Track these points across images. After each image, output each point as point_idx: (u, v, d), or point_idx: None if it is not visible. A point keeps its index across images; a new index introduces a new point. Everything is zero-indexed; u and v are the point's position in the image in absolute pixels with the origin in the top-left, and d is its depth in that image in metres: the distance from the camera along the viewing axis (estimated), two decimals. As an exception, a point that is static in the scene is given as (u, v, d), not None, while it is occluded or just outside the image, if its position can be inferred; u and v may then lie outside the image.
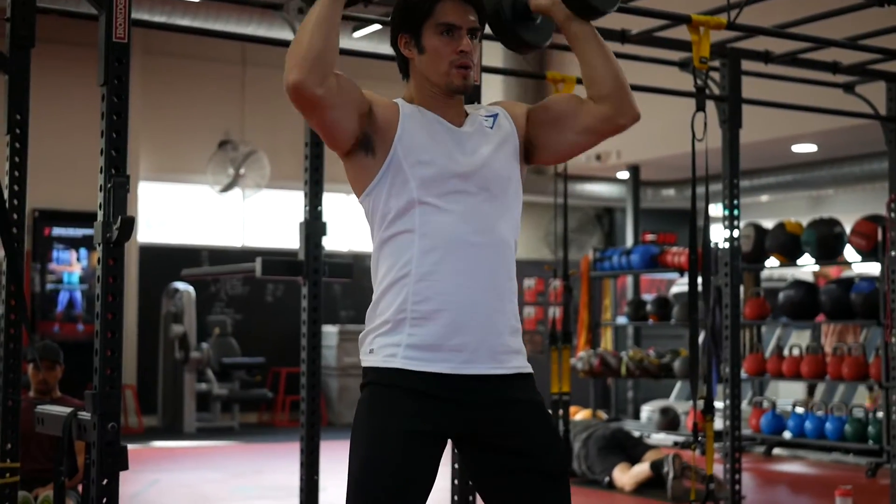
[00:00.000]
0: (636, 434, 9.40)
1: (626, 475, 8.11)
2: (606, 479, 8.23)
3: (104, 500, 3.34)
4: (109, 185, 3.39)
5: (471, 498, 4.11)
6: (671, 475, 7.58)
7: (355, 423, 2.72)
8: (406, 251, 2.69)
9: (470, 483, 4.03)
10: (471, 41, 2.79)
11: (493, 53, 11.00)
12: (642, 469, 7.98)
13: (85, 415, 3.45)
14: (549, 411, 7.02)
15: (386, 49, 5.09)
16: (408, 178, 2.70)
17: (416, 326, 2.66)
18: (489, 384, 2.70)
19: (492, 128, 2.84)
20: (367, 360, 2.74)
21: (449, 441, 2.77)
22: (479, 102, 4.29)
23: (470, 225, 2.70)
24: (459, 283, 2.67)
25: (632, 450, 8.43)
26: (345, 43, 11.64)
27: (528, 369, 2.81)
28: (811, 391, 11.43)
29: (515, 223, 2.82)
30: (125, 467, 3.39)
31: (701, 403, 4.90)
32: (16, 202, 4.36)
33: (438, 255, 2.68)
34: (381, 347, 2.70)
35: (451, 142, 2.76)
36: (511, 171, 2.83)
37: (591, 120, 2.86)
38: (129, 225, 3.35)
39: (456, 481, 4.23)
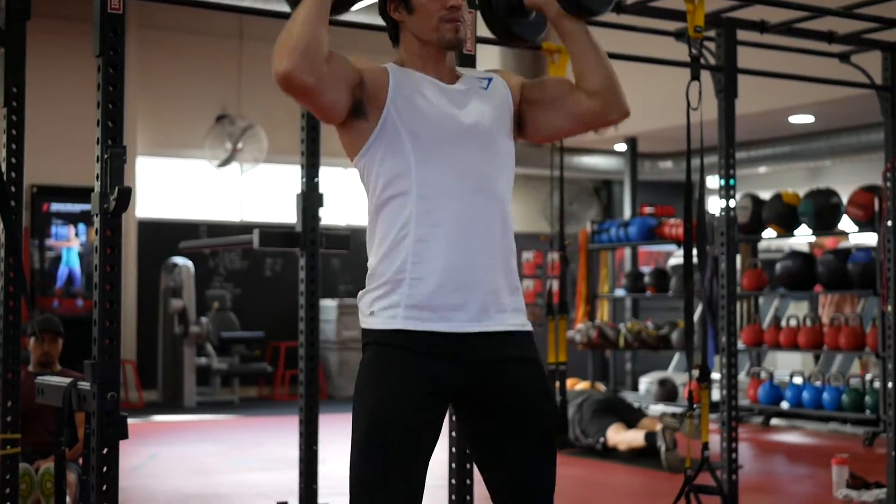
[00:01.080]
0: (634, 404, 9.44)
1: (620, 436, 8.14)
2: (601, 439, 8.24)
3: (104, 469, 3.37)
4: (106, 156, 3.40)
5: (468, 466, 4.14)
6: (664, 448, 7.62)
7: (358, 383, 2.74)
8: (403, 212, 2.69)
9: (467, 451, 4.06)
10: None
11: (488, 57, 10.99)
12: (636, 436, 8.01)
13: (84, 384, 3.47)
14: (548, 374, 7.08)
15: (381, 21, 5.09)
16: (402, 138, 2.70)
17: (416, 287, 2.67)
18: (489, 341, 2.72)
19: (486, 89, 2.85)
20: (368, 322, 2.74)
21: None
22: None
23: (467, 182, 2.71)
24: (458, 243, 2.68)
25: (626, 414, 8.46)
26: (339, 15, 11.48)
27: (528, 327, 2.82)
28: (816, 360, 11.45)
29: (509, 183, 2.82)
30: (125, 436, 3.42)
31: (696, 372, 4.93)
32: (13, 175, 4.38)
33: (436, 215, 2.68)
34: (381, 309, 2.71)
35: (443, 99, 2.76)
36: (504, 131, 2.83)
37: (581, 109, 2.87)
38: (125, 195, 3.36)
39: (454, 449, 4.26)
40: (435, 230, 2.68)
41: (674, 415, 7.90)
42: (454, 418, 4.36)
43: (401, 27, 2.84)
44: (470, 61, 4.14)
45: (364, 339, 2.77)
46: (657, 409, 10.94)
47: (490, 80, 2.88)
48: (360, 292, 2.79)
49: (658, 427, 7.94)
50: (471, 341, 2.70)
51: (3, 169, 4.31)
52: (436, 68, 2.82)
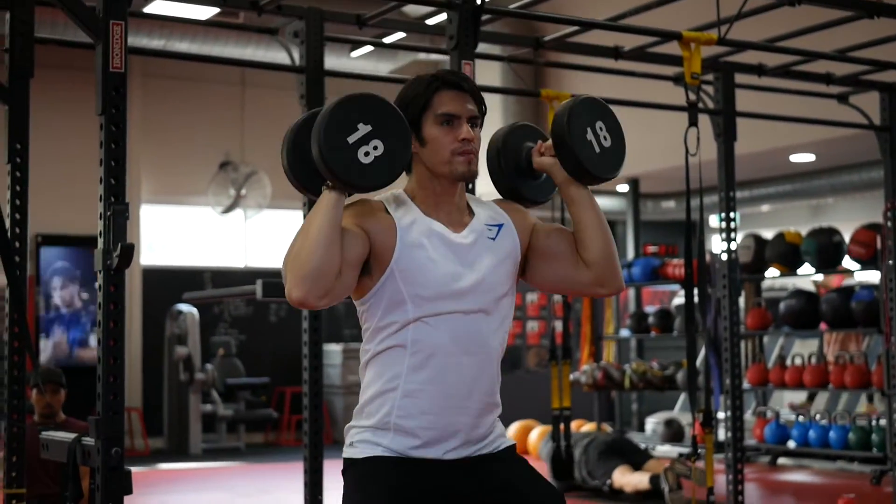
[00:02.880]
0: (640, 445, 9.41)
1: (626, 478, 8.13)
2: (608, 481, 8.23)
3: (109, 524, 3.38)
4: (109, 213, 3.43)
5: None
6: (667, 490, 7.60)
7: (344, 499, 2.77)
8: (395, 365, 2.72)
9: None
10: (471, 129, 2.78)
11: (489, 71, 11.06)
12: (642, 479, 8.00)
13: (89, 440, 3.49)
14: (551, 427, 7.03)
15: (381, 70, 5.16)
16: (404, 298, 2.70)
17: (399, 435, 2.72)
18: (473, 461, 2.77)
19: (494, 239, 2.82)
20: (347, 452, 2.79)
21: None
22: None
23: (461, 345, 2.72)
24: (444, 405, 2.71)
25: (632, 456, 8.44)
26: (341, 63, 11.69)
27: (511, 442, 2.87)
28: (811, 398, 11.44)
29: (506, 333, 2.84)
30: (129, 492, 3.43)
31: (700, 416, 4.94)
32: (17, 230, 4.42)
33: (426, 374, 2.70)
34: (360, 442, 2.75)
35: (449, 256, 2.75)
36: (508, 285, 2.83)
37: (576, 277, 2.87)
38: (128, 252, 3.39)
39: None
40: (423, 388, 2.71)
41: (684, 459, 7.86)
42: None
43: (413, 158, 2.81)
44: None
45: (343, 467, 2.81)
46: (664, 449, 10.91)
47: (500, 227, 2.85)
48: (347, 425, 2.82)
49: (661, 469, 7.93)
50: (454, 465, 2.75)
51: (7, 224, 4.35)
52: (446, 205, 2.80)
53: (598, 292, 2.89)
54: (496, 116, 12.54)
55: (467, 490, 2.74)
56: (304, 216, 5.36)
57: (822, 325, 10.24)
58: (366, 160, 2.62)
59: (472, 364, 2.74)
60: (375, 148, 2.62)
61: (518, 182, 2.97)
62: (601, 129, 2.89)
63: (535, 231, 2.90)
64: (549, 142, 2.88)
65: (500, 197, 2.98)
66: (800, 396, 11.89)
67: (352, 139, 2.61)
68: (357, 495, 2.72)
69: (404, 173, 2.82)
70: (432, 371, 2.71)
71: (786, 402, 12.17)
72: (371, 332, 2.76)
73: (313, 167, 2.67)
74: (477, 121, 2.81)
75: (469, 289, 2.74)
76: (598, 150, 2.87)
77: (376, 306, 2.73)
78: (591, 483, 8.38)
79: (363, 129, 2.62)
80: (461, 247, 2.77)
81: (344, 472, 2.79)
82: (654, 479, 7.82)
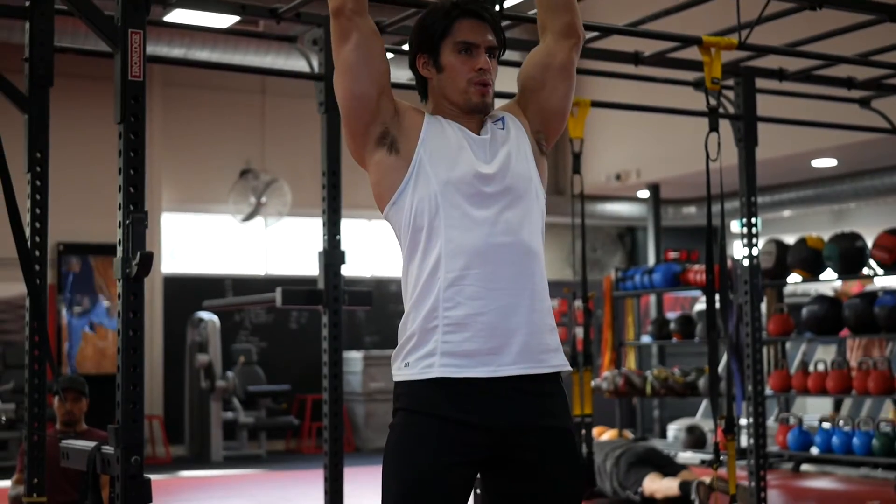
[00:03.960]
0: (672, 455, 9.37)
1: (656, 484, 8.09)
2: (639, 489, 8.19)
3: (129, 533, 3.38)
4: (128, 222, 3.43)
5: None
6: (697, 502, 7.56)
7: (386, 455, 2.72)
8: (432, 258, 2.69)
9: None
10: (489, 59, 2.80)
11: (508, 78, 11.05)
12: (672, 485, 7.96)
13: (109, 449, 3.49)
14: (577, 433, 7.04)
15: (402, 76, 5.14)
16: (431, 182, 2.70)
17: (450, 333, 2.65)
18: (530, 385, 2.70)
19: (503, 129, 2.84)
20: (402, 374, 2.72)
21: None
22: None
23: (494, 228, 2.70)
24: (490, 286, 2.67)
25: (664, 468, 8.40)
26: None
27: (567, 366, 2.79)
28: (837, 406, 11.37)
29: (538, 227, 2.80)
30: (149, 500, 3.43)
31: (723, 422, 4.90)
32: (37, 239, 4.42)
33: (465, 259, 2.67)
34: (416, 360, 2.68)
35: (472, 147, 2.77)
36: (530, 170, 2.82)
37: (553, 54, 2.92)
38: (148, 260, 3.39)
39: (479, 506, 4.25)
40: (466, 275, 2.67)
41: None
42: (478, 490, 4.35)
43: (429, 84, 2.85)
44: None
45: (395, 399, 2.75)
46: (686, 456, 10.87)
47: (503, 118, 2.88)
48: (395, 350, 2.76)
49: (693, 477, 7.89)
50: (511, 386, 2.67)
51: (28, 233, 4.35)
52: (463, 121, 2.82)
53: (571, 47, 2.94)
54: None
55: (508, 453, 2.67)
56: (324, 224, 5.36)
57: (845, 331, 10.18)
58: None
59: (512, 245, 2.70)
60: None
61: None
62: None
63: (519, 101, 2.94)
64: None
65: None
66: (823, 403, 11.83)
67: None
68: (404, 454, 2.66)
69: (420, 100, 2.88)
70: (472, 255, 2.67)
71: (809, 409, 12.11)
72: (404, 228, 2.74)
73: None
74: (495, 52, 2.84)
75: (493, 174, 2.74)
76: None
77: (405, 196, 2.72)
78: (622, 495, 8.36)
79: None
80: (482, 140, 2.79)
81: (395, 407, 2.74)
82: (685, 486, 7.79)
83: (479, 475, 2.77)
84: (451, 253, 2.68)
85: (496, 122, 2.86)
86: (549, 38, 2.95)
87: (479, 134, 2.82)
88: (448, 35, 2.79)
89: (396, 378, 2.74)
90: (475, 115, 2.82)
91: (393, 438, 2.71)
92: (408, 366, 2.70)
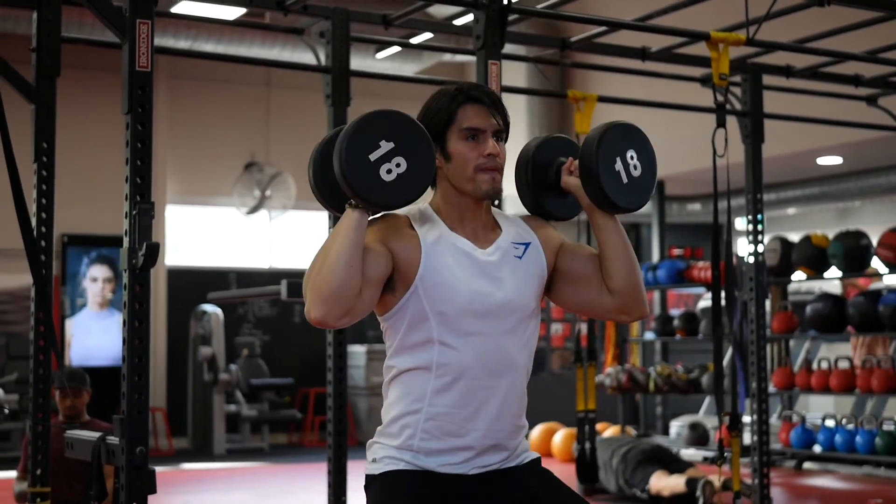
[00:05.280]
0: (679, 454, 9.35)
1: (663, 482, 8.08)
2: (646, 486, 8.18)
3: (133, 524, 3.38)
4: (134, 212, 3.43)
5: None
6: (701, 501, 7.55)
7: None
8: (419, 387, 2.69)
9: None
10: (496, 143, 2.75)
11: (515, 72, 11.04)
12: (678, 482, 7.95)
13: (113, 439, 3.48)
14: (576, 430, 6.99)
15: (406, 70, 5.17)
16: (428, 316, 2.67)
17: (423, 456, 2.69)
18: (499, 472, 2.75)
19: (521, 258, 2.79)
20: (369, 469, 2.76)
21: None
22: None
23: (487, 367, 2.69)
24: (469, 428, 2.69)
25: (671, 465, 8.39)
26: (367, 64, 11.69)
27: (535, 455, 2.83)
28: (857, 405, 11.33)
29: (532, 353, 2.80)
30: (153, 491, 3.43)
31: (727, 419, 4.90)
32: (43, 229, 4.42)
33: (451, 397, 2.67)
34: (383, 458, 2.73)
35: (475, 272, 2.72)
36: (534, 305, 2.79)
37: (600, 302, 2.82)
38: (154, 251, 3.39)
39: None
40: (447, 412, 2.68)
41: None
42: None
43: (437, 174, 2.78)
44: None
45: (365, 483, 2.78)
46: (688, 453, 10.86)
47: (527, 246, 2.81)
48: (370, 441, 2.80)
49: (700, 475, 7.88)
50: (478, 479, 2.72)
51: (34, 223, 4.35)
52: (472, 221, 2.77)
53: (621, 319, 2.84)
54: (521, 118, 12.51)
55: (491, 500, 2.71)
56: (329, 218, 5.35)
57: (849, 329, 10.17)
58: (388, 178, 2.59)
59: (499, 386, 2.70)
60: (398, 165, 2.59)
61: (544, 198, 2.91)
62: (632, 157, 2.81)
63: (562, 251, 2.86)
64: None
65: (526, 213, 2.94)
66: (826, 401, 11.82)
67: (374, 157, 2.58)
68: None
69: (430, 188, 2.79)
70: (457, 395, 2.68)
71: (812, 407, 12.10)
72: (394, 349, 2.74)
73: (339, 185, 2.63)
74: (502, 135, 2.78)
75: (495, 307, 2.70)
76: (625, 180, 2.79)
77: (399, 323, 2.70)
78: (628, 492, 8.35)
79: (385, 146, 2.59)
80: (487, 264, 2.74)
81: (366, 488, 2.77)
82: (692, 483, 7.78)
83: None
84: (438, 389, 2.68)
85: (517, 246, 2.80)
86: (608, 294, 2.83)
87: (489, 242, 2.77)
88: (453, 122, 2.74)
89: (366, 471, 2.78)
90: (485, 202, 2.79)
91: (371, 499, 2.75)
92: (375, 462, 2.75)
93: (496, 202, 2.90)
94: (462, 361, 2.67)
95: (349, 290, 2.55)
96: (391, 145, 2.59)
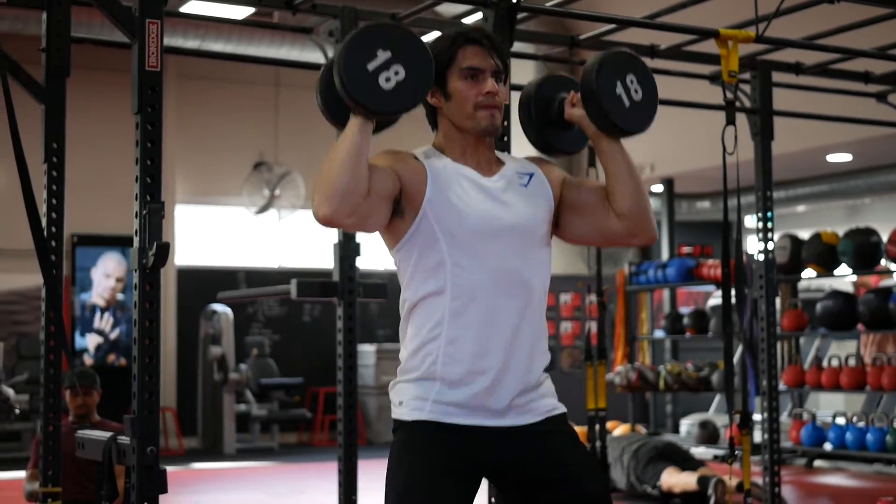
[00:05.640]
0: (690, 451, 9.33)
1: (675, 478, 8.07)
2: (657, 483, 8.16)
3: (144, 524, 3.38)
4: (144, 212, 3.43)
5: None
6: (713, 499, 7.54)
7: (389, 467, 2.75)
8: (436, 313, 2.71)
9: None
10: (496, 83, 2.80)
11: (524, 70, 11.03)
12: (690, 480, 7.93)
13: (124, 439, 3.49)
14: (586, 429, 7.00)
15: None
16: (438, 238, 2.71)
17: (446, 386, 2.70)
18: (520, 431, 2.75)
19: (526, 185, 2.84)
20: (396, 412, 2.77)
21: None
22: (508, 135, 4.31)
23: (501, 286, 2.71)
24: (490, 347, 2.70)
25: (682, 463, 8.37)
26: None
27: (561, 409, 2.83)
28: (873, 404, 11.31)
29: (546, 273, 2.82)
30: (164, 491, 3.43)
31: (737, 417, 4.89)
32: (54, 229, 4.43)
33: (469, 317, 2.70)
34: (409, 399, 2.73)
35: (481, 196, 2.76)
36: (545, 228, 2.83)
37: (608, 227, 2.86)
38: (164, 251, 3.39)
39: None
40: (467, 332, 2.70)
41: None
42: (493, 500, 4.36)
43: (438, 113, 2.86)
44: (505, 130, 4.19)
45: (393, 426, 2.80)
46: (699, 451, 10.84)
47: (531, 175, 2.86)
48: (392, 382, 2.81)
49: (712, 473, 7.87)
50: (501, 434, 2.72)
51: (44, 224, 4.36)
52: (474, 155, 2.83)
53: (630, 242, 2.88)
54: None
55: (513, 461, 2.71)
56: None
57: (860, 327, 10.15)
58: (387, 86, 2.64)
59: (515, 307, 2.72)
60: (396, 73, 2.64)
61: (548, 132, 2.98)
62: (632, 82, 2.88)
63: (566, 184, 2.91)
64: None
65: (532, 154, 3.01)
66: (836, 398, 11.80)
67: (372, 66, 2.63)
68: (404, 463, 2.70)
69: (431, 129, 2.88)
70: (475, 314, 2.69)
71: (822, 405, 12.07)
72: (408, 279, 2.76)
73: (344, 101, 2.69)
74: (501, 75, 2.83)
75: (505, 229, 2.74)
76: (627, 104, 2.86)
77: (411, 251, 2.74)
78: (639, 489, 8.33)
79: (383, 55, 2.64)
80: (494, 189, 2.79)
81: (394, 431, 2.78)
82: (703, 481, 7.77)
83: (492, 483, 2.80)
84: (455, 310, 2.70)
85: (521, 176, 2.85)
86: (613, 213, 2.87)
87: (492, 173, 2.82)
88: (453, 63, 2.80)
89: (393, 415, 2.79)
90: (486, 140, 2.83)
91: (393, 451, 2.75)
92: (401, 404, 2.76)
93: (505, 138, 2.91)
94: (476, 281, 2.70)
95: (356, 187, 2.59)
96: (388, 54, 2.64)
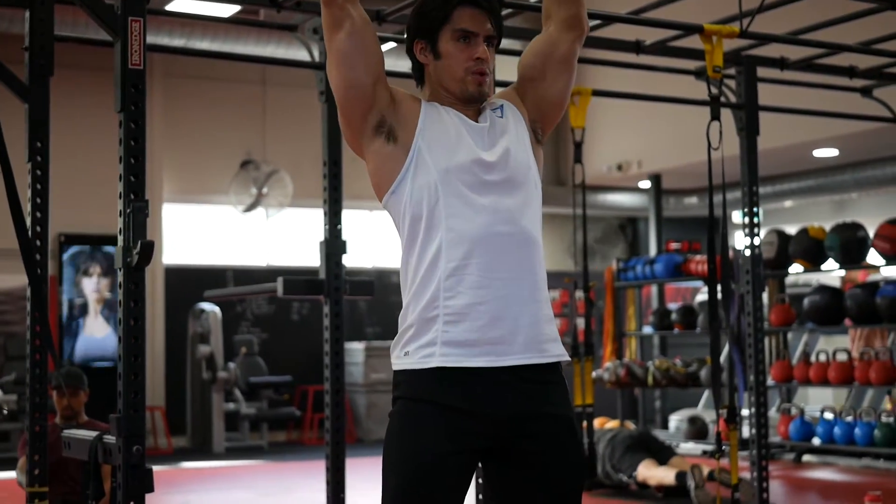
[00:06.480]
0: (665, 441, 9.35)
1: (651, 471, 8.08)
2: (633, 473, 8.17)
3: (131, 523, 3.38)
4: (129, 210, 3.43)
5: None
6: (694, 486, 7.56)
7: (386, 442, 2.71)
8: (432, 247, 2.68)
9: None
10: (487, 49, 2.79)
11: (509, 67, 11.03)
12: (667, 474, 7.95)
13: (110, 438, 3.48)
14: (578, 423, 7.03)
15: (402, 67, 5.14)
16: (431, 170, 2.70)
17: (450, 323, 2.64)
18: (531, 374, 2.69)
19: (502, 117, 2.83)
20: (401, 363, 2.71)
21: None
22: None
23: (495, 216, 2.69)
24: (491, 275, 2.66)
25: (657, 453, 8.39)
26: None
27: (566, 356, 2.79)
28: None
29: (537, 216, 2.80)
30: (151, 490, 3.42)
31: (725, 412, 4.90)
32: (38, 229, 4.41)
33: (466, 248, 2.66)
34: (416, 349, 2.67)
35: (471, 134, 2.76)
36: (529, 158, 2.82)
37: (559, 48, 2.89)
38: (149, 249, 3.38)
39: (480, 496, 4.24)
40: (466, 264, 2.66)
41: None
42: (480, 479, 4.35)
43: (425, 70, 2.84)
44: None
45: (395, 388, 2.74)
46: (688, 447, 10.86)
47: (501, 106, 2.86)
48: (395, 339, 2.75)
49: (688, 466, 7.89)
50: (513, 376, 2.67)
51: (29, 223, 4.34)
52: (462, 110, 2.82)
53: (575, 46, 2.91)
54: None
55: (510, 442, 2.67)
56: (325, 214, 5.34)
57: (847, 322, 10.17)
58: None
59: (512, 235, 2.70)
60: None
61: None
62: None
63: (518, 88, 2.92)
64: None
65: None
66: (824, 393, 11.82)
67: None
68: (404, 441, 2.66)
69: (418, 86, 2.88)
70: (472, 244, 2.67)
71: (811, 399, 12.10)
72: (402, 217, 2.73)
73: None
74: (493, 41, 2.83)
75: (493, 163, 2.73)
76: None
77: (405, 186, 2.72)
78: (615, 478, 8.33)
79: None
80: (480, 128, 2.79)
81: (394, 396, 2.73)
82: (681, 476, 7.78)
83: (480, 464, 2.76)
84: (451, 242, 2.67)
85: (495, 110, 2.85)
86: (553, 27, 2.92)
87: (477, 121, 2.81)
88: (447, 22, 2.78)
89: (396, 367, 2.73)
90: (472, 103, 2.82)
91: (393, 427, 2.70)
92: (407, 355, 2.69)
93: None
94: (469, 213, 2.68)
95: None
96: None
